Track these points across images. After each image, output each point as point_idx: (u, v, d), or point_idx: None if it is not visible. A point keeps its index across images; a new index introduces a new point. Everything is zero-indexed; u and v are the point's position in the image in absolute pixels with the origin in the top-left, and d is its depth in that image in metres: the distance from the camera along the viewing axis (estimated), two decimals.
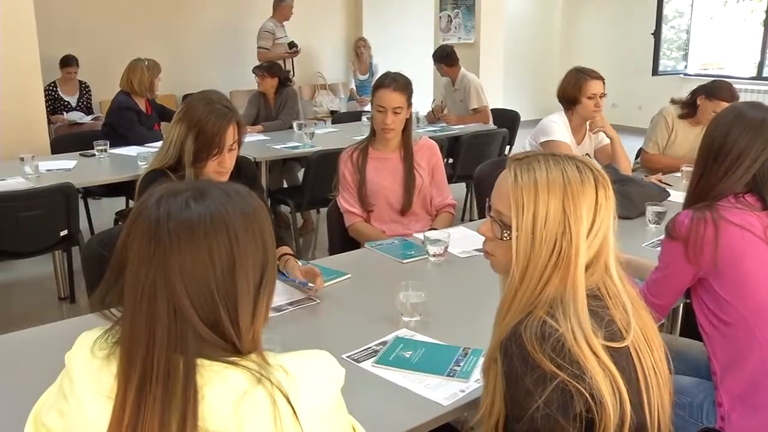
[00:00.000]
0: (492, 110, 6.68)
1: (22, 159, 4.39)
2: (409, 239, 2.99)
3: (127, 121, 5.45)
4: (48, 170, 4.46)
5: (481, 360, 1.83)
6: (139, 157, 4.59)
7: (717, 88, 4.14)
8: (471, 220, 5.79)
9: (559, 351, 1.30)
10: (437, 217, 3.37)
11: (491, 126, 6.46)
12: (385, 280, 2.48)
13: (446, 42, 7.88)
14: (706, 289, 1.99)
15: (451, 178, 5.14)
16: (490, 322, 1.53)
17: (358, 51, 9.46)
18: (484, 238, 1.57)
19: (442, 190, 3.41)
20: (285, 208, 5.70)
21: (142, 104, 5.61)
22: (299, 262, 2.54)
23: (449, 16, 8.50)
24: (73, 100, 7.58)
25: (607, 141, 4.03)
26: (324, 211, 4.05)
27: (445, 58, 6.63)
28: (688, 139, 4.34)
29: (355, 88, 9.51)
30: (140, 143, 5.24)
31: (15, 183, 4.14)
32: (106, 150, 4.94)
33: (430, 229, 3.09)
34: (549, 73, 11.52)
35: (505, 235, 1.44)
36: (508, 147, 6.39)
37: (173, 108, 6.57)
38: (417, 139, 3.40)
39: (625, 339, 1.38)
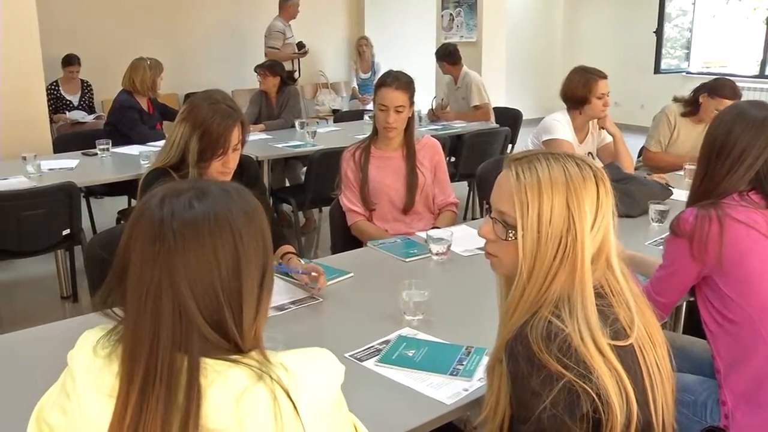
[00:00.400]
0: (494, 109, 6.68)
1: (24, 158, 4.39)
2: (412, 238, 2.99)
3: (129, 120, 5.45)
4: (50, 169, 4.46)
5: (485, 359, 1.83)
6: (141, 156, 4.59)
7: (719, 86, 4.13)
8: (473, 219, 5.79)
9: (566, 351, 1.30)
10: (440, 216, 3.37)
11: (493, 124, 6.46)
12: (387, 279, 2.48)
13: (448, 41, 7.87)
14: (711, 287, 1.98)
15: (454, 177, 5.14)
16: (493, 321, 1.53)
17: (360, 50, 9.46)
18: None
19: (445, 188, 3.41)
20: (287, 207, 5.70)
21: (144, 103, 5.61)
22: (302, 261, 2.54)
23: (451, 14, 8.50)
24: (75, 99, 7.58)
25: (609, 139, 4.03)
26: (326, 209, 4.05)
27: (448, 56, 6.64)
28: (691, 137, 4.33)
29: (357, 86, 9.50)
30: (142, 142, 5.24)
31: (17, 182, 4.14)
32: (108, 149, 4.94)
33: (433, 228, 3.09)
34: (551, 71, 11.51)
35: (510, 235, 1.44)
36: (510, 146, 6.39)
37: (175, 107, 6.58)
38: (419, 137, 3.40)
39: (630, 336, 1.38)
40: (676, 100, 4.48)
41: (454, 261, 2.72)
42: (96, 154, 4.93)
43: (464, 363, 1.87)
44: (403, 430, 1.61)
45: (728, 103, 3.50)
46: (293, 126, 6.09)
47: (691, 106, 4.32)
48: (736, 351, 1.94)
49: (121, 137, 5.29)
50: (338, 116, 7.91)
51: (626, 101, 10.29)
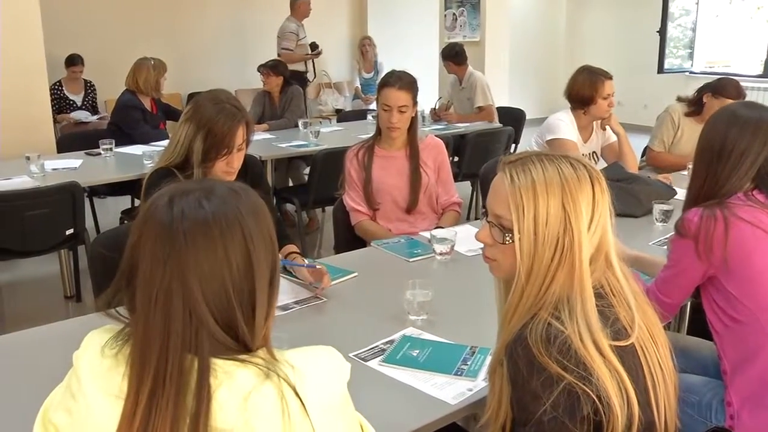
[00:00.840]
0: (497, 108, 6.67)
1: (27, 158, 4.38)
2: (416, 238, 2.99)
3: (132, 120, 5.45)
4: (54, 169, 4.47)
5: (489, 359, 1.83)
6: (144, 156, 4.59)
7: (723, 86, 4.13)
8: (476, 219, 5.78)
9: (566, 353, 1.30)
10: (443, 216, 3.36)
11: (497, 124, 6.45)
12: (391, 279, 2.47)
13: (451, 40, 7.87)
14: (716, 287, 1.98)
15: (457, 177, 5.14)
16: (497, 321, 1.52)
17: (363, 49, 9.45)
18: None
19: (448, 188, 3.40)
20: (290, 207, 5.70)
21: (147, 103, 5.61)
22: (305, 261, 2.54)
23: (454, 14, 8.49)
24: (78, 99, 7.59)
25: (614, 139, 4.02)
26: (329, 209, 4.04)
27: (454, 56, 6.62)
28: (694, 137, 4.26)
29: (360, 86, 9.50)
30: (146, 142, 5.24)
31: (21, 182, 4.15)
32: (111, 149, 4.95)
33: (437, 228, 3.08)
34: (554, 71, 11.52)
35: (507, 238, 1.44)
36: (513, 145, 6.38)
37: (178, 107, 6.59)
38: (423, 137, 3.39)
39: (630, 336, 1.37)
40: (679, 99, 4.47)
41: (458, 261, 2.72)
42: (99, 154, 4.93)
43: (468, 363, 1.87)
44: (407, 429, 1.61)
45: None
46: (296, 126, 6.09)
47: (695, 106, 4.32)
48: (742, 351, 1.94)
49: (124, 137, 5.29)
50: (341, 116, 7.91)
51: (629, 101, 10.27)
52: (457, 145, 5.76)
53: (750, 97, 5.85)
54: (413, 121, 3.27)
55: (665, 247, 2.69)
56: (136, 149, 5.05)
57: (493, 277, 1.58)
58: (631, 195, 3.25)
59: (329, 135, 6.03)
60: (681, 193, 3.39)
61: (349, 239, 3.30)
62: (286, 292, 2.38)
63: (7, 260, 4.62)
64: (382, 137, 3.30)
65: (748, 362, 1.92)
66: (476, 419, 2.00)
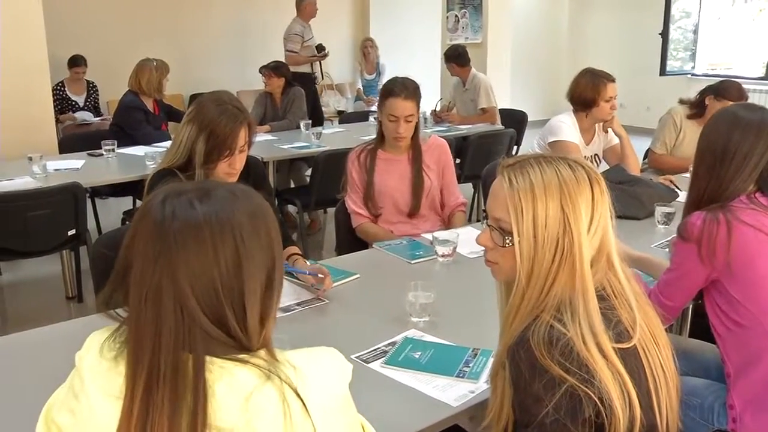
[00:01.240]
0: (499, 110, 6.67)
1: (30, 158, 4.39)
2: (418, 239, 2.98)
3: (134, 121, 5.46)
4: (56, 170, 4.47)
5: (491, 361, 1.83)
6: (146, 156, 4.60)
7: (725, 88, 4.12)
8: (479, 221, 5.78)
9: (568, 355, 1.30)
10: (452, 219, 3.35)
11: (499, 126, 6.45)
12: (393, 281, 2.48)
13: (453, 42, 7.87)
14: (719, 291, 1.98)
15: (459, 179, 5.11)
16: (499, 323, 1.52)
17: (365, 51, 9.46)
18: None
19: (452, 189, 3.39)
20: (292, 208, 5.70)
21: (149, 104, 5.62)
22: (307, 262, 2.54)
23: (456, 16, 8.49)
24: (80, 100, 7.60)
25: (616, 141, 4.02)
26: (331, 210, 4.04)
27: (457, 57, 6.62)
28: (696, 139, 4.27)
29: (361, 88, 9.50)
30: (148, 143, 5.25)
31: (23, 182, 4.15)
32: (113, 150, 4.95)
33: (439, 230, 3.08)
34: (556, 73, 11.51)
35: (507, 241, 1.44)
36: (515, 147, 6.39)
37: (180, 108, 6.59)
38: (426, 138, 3.38)
39: (632, 338, 1.37)
40: (682, 102, 4.47)
41: (460, 263, 2.72)
42: (101, 154, 4.94)
43: (470, 365, 1.87)
44: (410, 431, 1.61)
45: None
46: (298, 127, 6.09)
47: (697, 108, 4.31)
48: (745, 355, 1.93)
49: (126, 138, 5.30)
50: (343, 117, 7.91)
51: (632, 103, 10.28)
52: (459, 146, 5.76)
53: (752, 99, 5.84)
54: (416, 124, 3.25)
55: (667, 249, 2.68)
56: (138, 150, 5.06)
57: (494, 279, 1.58)
58: (633, 197, 3.24)
59: (331, 136, 6.03)
60: (683, 196, 3.39)
61: (351, 241, 3.30)
62: (288, 293, 2.37)
63: (9, 260, 4.63)
64: (385, 142, 3.28)
65: (751, 365, 1.92)
66: (472, 420, 2.00)
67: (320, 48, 8.08)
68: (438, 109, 6.79)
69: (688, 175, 3.99)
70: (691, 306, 2.82)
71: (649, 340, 1.42)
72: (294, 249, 2.65)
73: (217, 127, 2.43)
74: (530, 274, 1.40)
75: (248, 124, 2.51)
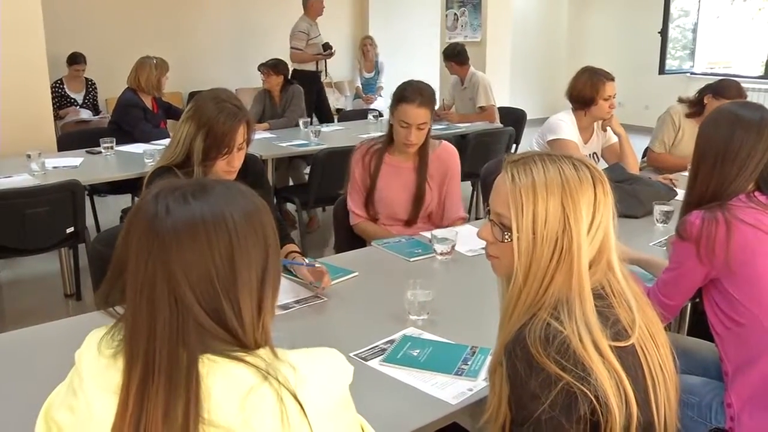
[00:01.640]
0: (498, 109, 6.67)
1: (28, 156, 4.38)
2: (416, 237, 2.98)
3: (133, 119, 5.45)
4: (54, 167, 4.46)
5: (489, 359, 1.83)
6: (145, 154, 4.59)
7: (724, 87, 4.12)
8: (477, 219, 5.78)
9: (564, 353, 1.30)
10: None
11: (498, 125, 6.45)
12: (392, 279, 2.48)
13: (452, 40, 7.87)
14: (718, 290, 1.98)
15: None
16: (497, 321, 1.52)
17: (364, 49, 9.46)
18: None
19: (455, 201, 3.26)
20: (291, 206, 5.70)
21: (148, 102, 5.61)
22: (306, 260, 2.54)
23: (456, 14, 8.49)
24: (79, 98, 7.60)
25: (614, 140, 4.03)
26: (330, 208, 4.04)
27: (456, 56, 6.62)
28: (695, 138, 4.31)
29: (360, 86, 9.50)
30: (146, 141, 5.25)
31: (21, 180, 4.15)
32: (112, 147, 4.95)
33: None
34: (555, 71, 11.51)
35: (507, 237, 1.44)
36: (514, 146, 6.38)
37: (179, 105, 6.59)
38: (436, 144, 3.26)
39: (631, 337, 1.37)
40: (680, 100, 4.47)
41: (459, 261, 2.72)
42: (100, 152, 4.94)
43: (469, 363, 1.87)
44: (408, 429, 1.61)
45: None
46: (297, 125, 6.09)
47: (696, 107, 4.30)
48: (743, 353, 1.94)
49: (125, 135, 5.29)
50: (342, 115, 7.91)
51: (630, 101, 10.27)
52: (458, 145, 5.71)
53: (751, 98, 5.84)
54: (427, 132, 3.14)
55: (665, 248, 2.69)
56: (136, 148, 5.05)
57: (495, 276, 1.58)
58: (631, 196, 3.25)
59: (330, 134, 6.03)
60: (682, 194, 3.40)
61: (350, 239, 3.29)
62: (287, 291, 2.37)
63: (7, 258, 4.63)
64: (394, 145, 3.17)
65: (750, 364, 1.92)
66: (472, 416, 2.00)
67: (326, 46, 8.08)
68: (437, 107, 6.77)
69: (686, 173, 4.00)
70: (689, 304, 2.83)
71: (648, 340, 1.42)
72: (293, 247, 2.65)
73: (216, 125, 2.43)
74: (528, 271, 1.40)
75: (247, 121, 2.51)
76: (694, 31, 11.16)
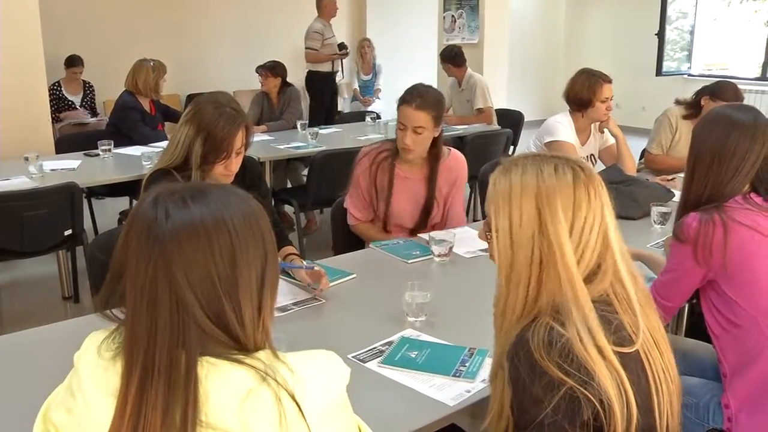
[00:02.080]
0: (496, 111, 6.68)
1: (26, 158, 4.38)
2: (414, 239, 2.98)
3: (131, 121, 5.45)
4: (52, 170, 4.46)
5: (488, 360, 1.83)
6: (143, 157, 4.59)
7: (721, 89, 4.12)
8: (475, 221, 5.79)
9: (566, 357, 1.30)
10: None
11: (495, 126, 6.45)
12: (390, 280, 2.48)
13: (450, 42, 7.87)
14: (716, 291, 1.98)
15: None
16: None
17: (362, 51, 9.47)
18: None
19: (457, 211, 3.21)
20: (289, 208, 5.70)
21: (146, 104, 5.61)
22: (304, 262, 2.54)
23: (453, 16, 8.49)
24: (77, 100, 7.59)
25: (612, 141, 4.03)
26: (328, 210, 4.04)
27: (453, 58, 6.62)
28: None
29: (358, 88, 9.51)
30: (144, 143, 5.25)
31: (19, 182, 4.15)
32: (110, 150, 4.94)
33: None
34: (553, 73, 11.53)
35: (489, 236, 1.48)
36: (512, 147, 6.39)
37: (177, 108, 6.58)
38: (446, 154, 3.16)
39: (635, 343, 1.37)
40: (678, 102, 4.47)
41: (456, 262, 2.72)
42: (98, 154, 4.93)
43: (467, 364, 1.87)
44: (406, 431, 1.61)
45: None
46: (295, 127, 6.09)
47: (693, 109, 4.31)
48: (741, 354, 1.94)
49: (122, 138, 5.29)
50: (340, 117, 7.91)
51: (628, 103, 10.29)
52: (455, 147, 5.74)
53: (748, 99, 5.85)
54: (437, 142, 3.05)
55: (662, 249, 2.69)
56: (134, 150, 5.05)
57: (495, 276, 1.59)
58: (628, 197, 3.25)
59: (328, 136, 6.03)
60: (679, 196, 3.40)
61: (348, 241, 3.29)
62: (285, 293, 2.38)
63: (5, 261, 4.62)
64: (400, 154, 3.08)
65: (747, 365, 1.93)
66: (473, 418, 2.01)
67: (342, 46, 8.11)
68: None
69: (683, 175, 4.01)
70: (687, 306, 2.83)
71: (652, 346, 1.42)
72: (291, 249, 2.65)
73: (215, 130, 2.43)
74: (509, 273, 1.42)
75: (246, 126, 2.51)
76: (692, 33, 11.18)
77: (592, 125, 4.01)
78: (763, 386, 1.90)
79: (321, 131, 6.00)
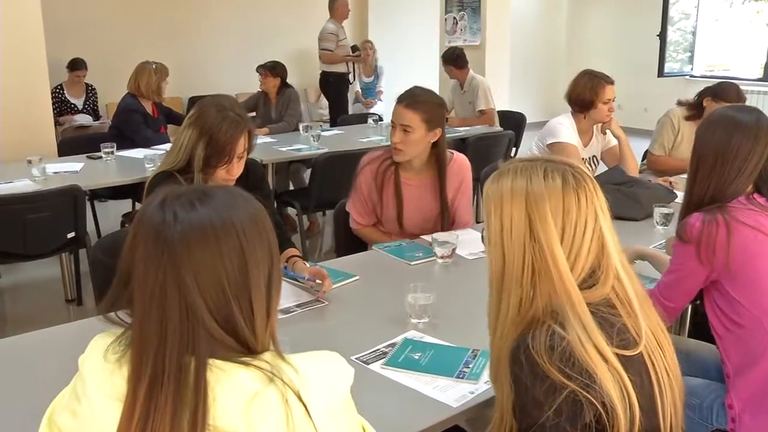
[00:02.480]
0: (498, 112, 6.67)
1: (29, 161, 4.38)
2: (417, 241, 2.98)
3: (133, 124, 5.46)
4: (55, 172, 4.46)
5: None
6: (145, 159, 4.60)
7: (723, 90, 4.12)
8: (478, 223, 5.78)
9: (567, 360, 1.30)
10: None
11: (497, 128, 6.45)
12: (393, 282, 2.48)
13: (452, 44, 7.87)
14: (719, 291, 1.98)
15: None
16: None
17: (364, 53, 9.46)
18: None
19: (461, 214, 3.17)
20: (292, 210, 5.70)
21: (148, 107, 5.61)
22: (307, 264, 2.54)
23: (455, 18, 8.50)
24: (79, 103, 7.61)
25: (614, 142, 4.03)
26: (330, 212, 4.04)
27: (454, 60, 6.62)
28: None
29: (360, 90, 9.51)
30: (147, 146, 5.24)
31: (22, 185, 4.15)
32: (112, 152, 4.94)
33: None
34: (555, 75, 11.53)
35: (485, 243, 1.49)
36: (514, 149, 6.39)
37: (179, 111, 6.59)
38: (450, 156, 3.13)
39: (638, 345, 1.37)
40: (680, 103, 4.47)
41: (459, 264, 2.72)
42: (101, 157, 4.93)
43: (470, 366, 1.87)
44: None
45: None
46: (296, 129, 6.10)
47: (695, 110, 4.30)
48: (744, 355, 1.94)
49: (125, 141, 5.29)
50: (342, 120, 7.91)
51: (630, 104, 10.28)
52: (457, 149, 5.73)
53: (750, 100, 5.85)
54: (440, 146, 3.01)
55: (665, 250, 2.69)
56: (137, 153, 5.05)
57: None
58: (631, 198, 3.25)
59: (330, 138, 6.03)
60: (681, 197, 3.40)
61: (351, 243, 3.28)
62: (288, 295, 2.38)
63: (8, 263, 4.63)
64: (393, 156, 3.01)
65: (751, 366, 1.93)
66: (475, 419, 2.00)
67: (355, 48, 8.14)
68: None
69: (685, 176, 4.00)
70: (690, 306, 2.83)
71: (655, 347, 1.41)
72: (293, 251, 2.65)
73: (217, 134, 2.43)
74: (502, 279, 1.42)
75: (248, 131, 2.52)
76: (693, 33, 11.17)
77: (595, 126, 4.01)
78: (766, 386, 1.90)
79: (323, 133, 6.00)
